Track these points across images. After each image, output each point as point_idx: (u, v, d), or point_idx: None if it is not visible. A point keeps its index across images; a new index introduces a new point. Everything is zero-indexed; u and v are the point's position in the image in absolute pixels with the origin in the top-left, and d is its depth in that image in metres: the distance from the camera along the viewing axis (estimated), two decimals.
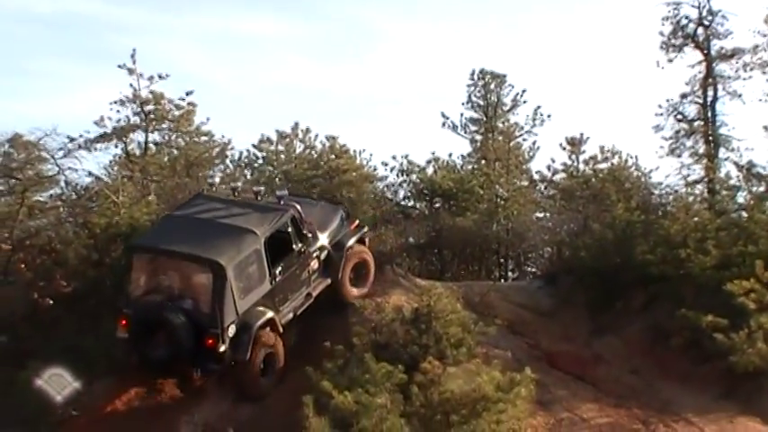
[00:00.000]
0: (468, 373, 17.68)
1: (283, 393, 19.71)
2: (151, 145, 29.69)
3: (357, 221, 22.33)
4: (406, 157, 34.49)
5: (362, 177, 34.41)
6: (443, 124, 38.00)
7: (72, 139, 26.62)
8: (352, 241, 21.28)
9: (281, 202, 18.69)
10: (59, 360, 20.34)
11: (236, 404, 20.61)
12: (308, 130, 35.72)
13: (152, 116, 28.87)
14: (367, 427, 16.87)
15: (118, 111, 28.44)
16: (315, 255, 19.19)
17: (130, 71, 27.99)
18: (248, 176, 34.83)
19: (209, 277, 16.81)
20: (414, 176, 34.40)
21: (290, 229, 18.01)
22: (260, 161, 35.75)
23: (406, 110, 56.22)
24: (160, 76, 28.42)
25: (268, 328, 18.13)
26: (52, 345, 21.37)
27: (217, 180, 29.91)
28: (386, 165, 34.93)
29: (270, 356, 18.47)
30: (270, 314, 17.73)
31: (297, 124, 35.70)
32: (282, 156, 35.75)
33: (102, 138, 28.07)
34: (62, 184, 27.29)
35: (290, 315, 18.80)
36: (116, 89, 28.49)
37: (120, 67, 27.94)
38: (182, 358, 17.21)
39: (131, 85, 28.23)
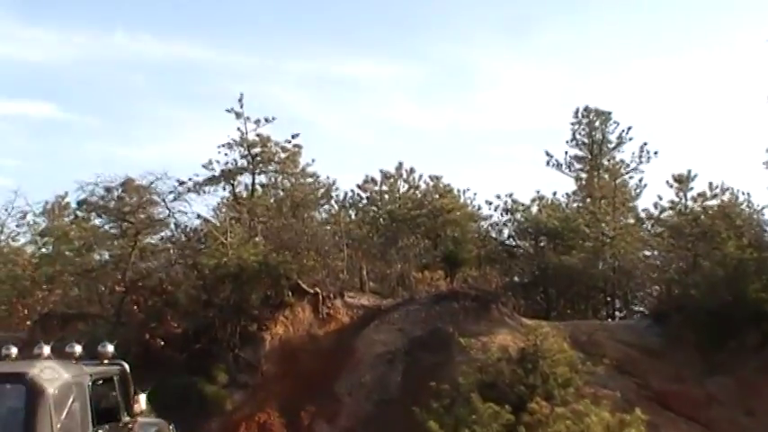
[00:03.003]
0: (577, 414, 17.40)
1: None
2: (258, 187, 30.18)
3: None
4: (511, 195, 34.55)
5: (467, 216, 34.50)
6: (548, 162, 37.96)
7: (181, 183, 27.13)
8: None
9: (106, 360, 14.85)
10: (172, 400, 20.66)
11: None
12: (411, 170, 36.06)
13: (259, 158, 29.32)
14: None
15: (226, 154, 29.00)
16: None
17: (238, 115, 28.55)
18: (353, 216, 35.21)
19: (22, 399, 12.72)
20: (518, 215, 34.36)
21: (116, 391, 14.48)
22: (364, 201, 36.15)
23: (509, 149, 56.28)
24: (267, 120, 28.90)
25: None
26: (165, 385, 21.71)
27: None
28: (490, 204, 35.03)
29: None
30: None
31: (401, 164, 36.13)
32: (386, 196, 36.09)
33: (211, 180, 28.57)
34: (172, 226, 27.84)
35: None
36: (224, 132, 29.13)
37: (228, 111, 28.56)
38: None
39: (239, 128, 28.78)
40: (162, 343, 23.86)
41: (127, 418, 14.41)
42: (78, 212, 29.13)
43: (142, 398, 14.54)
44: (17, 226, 33.14)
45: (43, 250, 31.14)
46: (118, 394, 14.40)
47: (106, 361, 14.40)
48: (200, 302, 25.02)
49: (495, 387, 19.30)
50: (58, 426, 12.50)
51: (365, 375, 22.86)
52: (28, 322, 27.61)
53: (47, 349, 13.79)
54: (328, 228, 31.81)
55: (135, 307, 25.87)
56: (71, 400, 12.99)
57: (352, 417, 21.85)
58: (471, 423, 17.45)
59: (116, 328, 24.55)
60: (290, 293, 24.84)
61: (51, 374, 12.87)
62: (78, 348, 14.18)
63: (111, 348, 14.63)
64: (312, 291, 25.28)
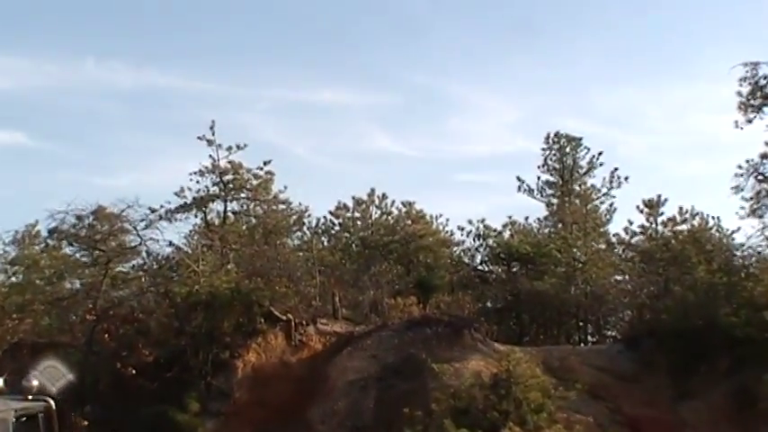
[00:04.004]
0: None
1: None
2: (230, 214, 30.09)
3: None
4: (483, 221, 34.66)
5: (439, 242, 34.56)
6: (519, 188, 38.13)
7: (153, 211, 27.03)
8: None
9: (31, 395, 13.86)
10: (144, 429, 20.57)
11: None
12: (384, 196, 36.11)
13: (231, 186, 29.25)
14: None
15: (197, 181, 28.91)
16: None
17: (210, 142, 28.51)
18: (325, 243, 35.19)
19: None
20: (490, 241, 34.46)
21: (40, 428, 13.45)
22: (336, 228, 36.14)
23: (481, 175, 56.56)
24: (238, 147, 28.85)
25: None
26: (137, 414, 21.59)
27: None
28: (462, 229, 35.13)
29: None
30: None
31: (373, 190, 36.16)
32: (359, 222, 36.10)
33: (183, 208, 28.47)
34: (144, 254, 27.72)
35: None
36: (196, 160, 29.09)
37: (199, 138, 28.52)
38: None
39: (210, 155, 28.75)
40: (133, 371, 23.69)
41: None
42: (49, 241, 28.91)
43: None
44: None
45: (13, 279, 30.81)
46: (41, 427, 13.16)
47: (30, 396, 13.40)
48: (172, 330, 24.90)
49: (468, 413, 19.36)
50: None
51: (338, 402, 22.79)
52: None
53: None
54: (301, 254, 31.78)
55: (106, 336, 25.68)
56: None
57: None
58: None
59: (87, 357, 24.43)
60: (263, 320, 24.79)
61: None
62: (0, 382, 13.42)
63: (35, 383, 13.74)
64: (285, 318, 25.23)
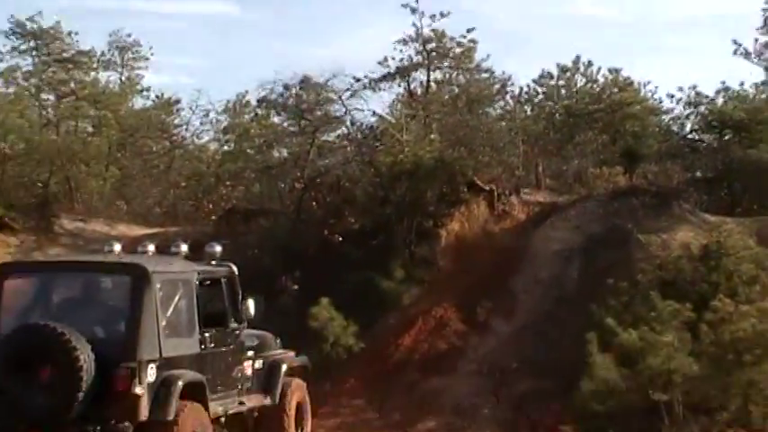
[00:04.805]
0: (763, 312, 16.88)
1: (568, 330, 19.69)
2: (433, 83, 29.99)
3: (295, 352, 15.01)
4: (694, 87, 33.18)
5: (647, 110, 33.41)
6: (735, 51, 36.12)
7: (357, 80, 27.31)
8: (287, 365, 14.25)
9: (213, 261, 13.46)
10: (350, 295, 21.21)
11: (520, 339, 20.88)
12: (589, 64, 35.06)
13: (434, 54, 29.06)
14: (653, 365, 16.54)
15: (401, 50, 28.78)
16: (249, 356, 13.53)
17: (413, 10, 28.25)
18: (528, 112, 34.71)
19: (128, 289, 11.57)
20: (702, 108, 33.05)
21: (223, 294, 13.03)
22: (540, 96, 35.53)
23: (693, 38, 54.11)
24: (442, 14, 28.50)
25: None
26: (343, 281, 22.26)
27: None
28: (672, 97, 33.77)
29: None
30: (201, 377, 11.88)
31: (578, 57, 35.18)
32: (563, 90, 35.32)
33: (386, 77, 28.54)
34: (348, 123, 28.12)
35: (220, 409, 12.40)
36: (399, 29, 28.98)
37: (403, 6, 28.34)
38: (73, 410, 10.78)
39: (414, 23, 28.52)
40: (340, 239, 24.37)
41: (234, 324, 13.03)
42: (258, 110, 29.83)
43: (251, 303, 13.05)
44: (201, 124, 34.41)
45: (225, 147, 32.18)
46: (225, 298, 13.05)
47: (213, 262, 13.27)
48: (376, 199, 25.36)
49: (675, 285, 18.99)
50: (164, 323, 11.57)
51: (541, 272, 22.76)
52: (213, 217, 28.67)
53: (151, 247, 13.10)
54: (503, 124, 31.50)
55: (314, 204, 26.47)
56: (178, 297, 12.11)
57: (528, 313, 21.86)
58: (650, 320, 17.21)
59: (296, 225, 25.33)
60: (466, 190, 24.84)
61: (158, 268, 11.98)
62: (185, 248, 13.29)
63: (218, 249, 13.44)
64: (487, 187, 25.20)
